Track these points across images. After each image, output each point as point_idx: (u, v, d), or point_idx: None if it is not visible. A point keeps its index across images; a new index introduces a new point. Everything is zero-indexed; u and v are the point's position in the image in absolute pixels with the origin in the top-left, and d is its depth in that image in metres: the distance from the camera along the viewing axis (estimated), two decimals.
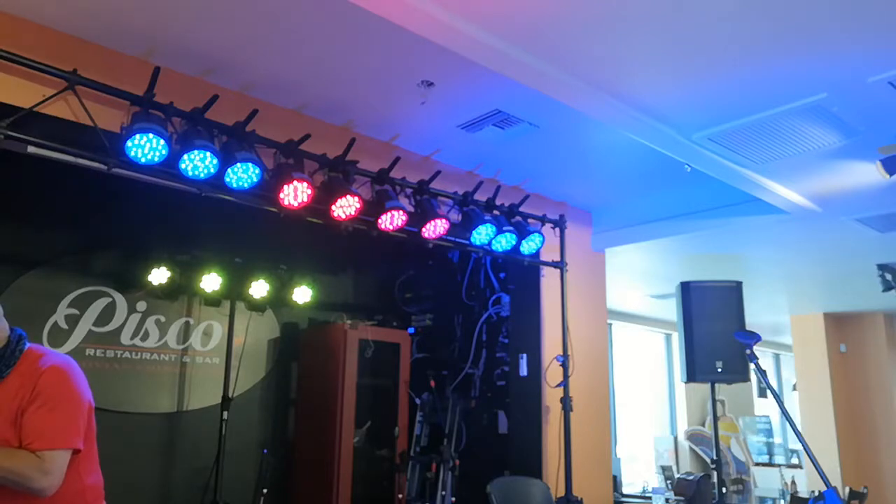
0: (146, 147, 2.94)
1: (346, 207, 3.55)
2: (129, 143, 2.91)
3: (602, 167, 4.57)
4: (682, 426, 9.07)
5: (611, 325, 8.31)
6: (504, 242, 4.32)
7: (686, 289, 4.94)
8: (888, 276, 5.72)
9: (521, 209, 4.48)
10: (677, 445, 8.75)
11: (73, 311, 4.41)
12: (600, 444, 5.15)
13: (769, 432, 9.28)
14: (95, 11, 2.86)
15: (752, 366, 2.84)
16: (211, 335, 5.03)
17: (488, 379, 5.30)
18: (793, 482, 7.80)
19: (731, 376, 4.73)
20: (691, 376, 4.77)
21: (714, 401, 4.99)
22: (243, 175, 3.21)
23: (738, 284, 4.94)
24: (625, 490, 7.00)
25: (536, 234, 4.44)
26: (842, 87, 3.27)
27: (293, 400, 5.39)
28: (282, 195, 3.36)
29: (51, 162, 2.90)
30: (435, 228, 3.95)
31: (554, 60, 3.11)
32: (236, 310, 4.99)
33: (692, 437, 8.80)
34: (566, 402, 4.51)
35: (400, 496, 4.99)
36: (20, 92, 2.81)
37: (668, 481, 7.22)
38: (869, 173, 4.23)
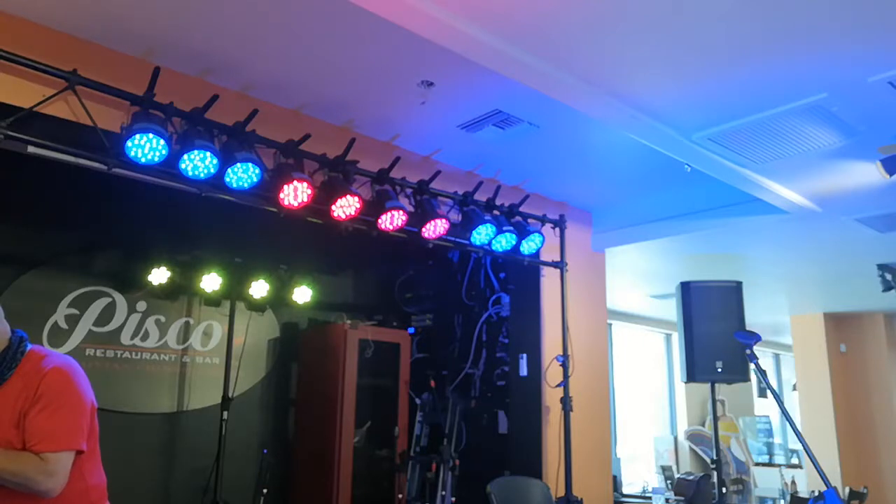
0: (146, 147, 2.94)
1: (346, 207, 3.55)
2: (129, 143, 2.91)
3: (602, 167, 4.57)
4: (682, 426, 9.07)
5: (611, 325, 8.31)
6: (504, 242, 4.32)
7: (686, 289, 4.94)
8: (888, 276, 5.72)
9: (521, 209, 4.48)
10: (677, 445, 8.74)
11: (73, 311, 4.41)
12: (600, 444, 5.15)
13: (769, 432, 9.28)
14: (95, 11, 2.86)
15: (752, 366, 2.84)
16: (211, 335, 5.02)
17: (488, 379, 5.30)
18: (793, 482, 7.80)
19: (731, 376, 4.73)
20: (691, 376, 4.77)
21: (714, 401, 4.99)
22: (243, 175, 3.21)
23: (738, 284, 4.94)
24: (625, 490, 7.00)
25: (536, 234, 4.44)
26: (842, 87, 3.27)
27: (293, 400, 5.39)
28: (282, 195, 3.36)
29: (51, 162, 2.90)
30: (435, 228, 3.95)
31: (554, 60, 3.11)
32: (236, 310, 4.99)
33: (692, 437, 8.80)
34: (566, 402, 4.51)
35: (400, 496, 4.99)
36: (20, 92, 2.81)
37: (668, 481, 7.22)
38: (869, 173, 4.23)
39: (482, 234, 4.15)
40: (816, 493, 2.45)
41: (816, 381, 8.49)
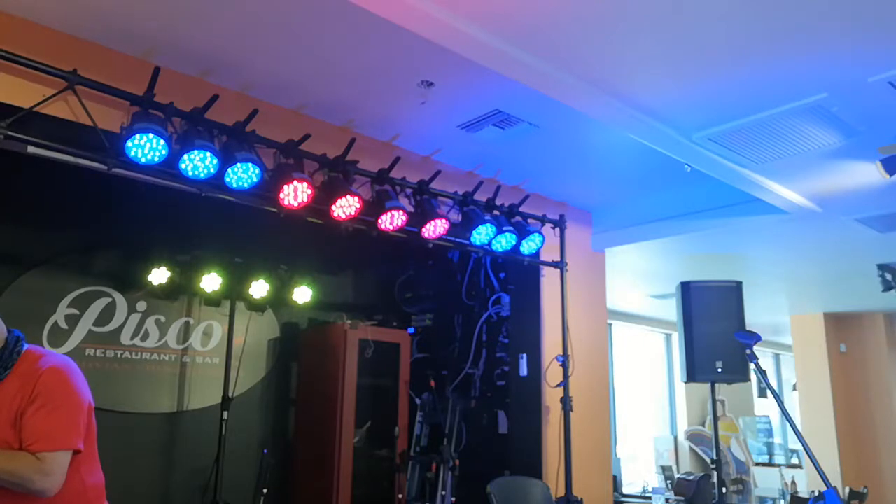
0: (146, 147, 2.94)
1: (346, 207, 3.55)
2: (129, 143, 2.91)
3: (602, 167, 4.57)
4: (682, 426, 9.07)
5: (611, 325, 8.31)
6: (504, 242, 4.32)
7: (686, 289, 4.94)
8: (888, 276, 5.72)
9: (521, 209, 4.48)
10: (677, 445, 8.75)
11: (73, 311, 4.40)
12: (600, 444, 5.15)
13: (769, 432, 9.28)
14: (95, 11, 2.86)
15: (752, 366, 2.84)
16: (211, 335, 5.02)
17: (488, 379, 5.30)
18: (793, 482, 7.80)
19: (731, 376, 4.73)
20: (691, 376, 4.77)
21: (714, 401, 4.99)
22: (243, 175, 3.21)
23: (738, 284, 4.94)
24: (625, 490, 7.00)
25: (536, 234, 4.44)
26: (842, 87, 3.27)
27: (293, 400, 5.39)
28: (282, 195, 3.36)
29: (51, 162, 2.90)
30: (435, 228, 3.95)
31: (554, 60, 3.11)
32: (236, 310, 4.99)
33: (692, 437, 8.80)
34: (566, 402, 4.51)
35: (400, 496, 4.99)
36: (20, 92, 2.81)
37: (668, 481, 7.22)
38: (869, 173, 4.23)
39: (482, 234, 4.15)
40: (816, 493, 2.45)
41: (816, 381, 8.49)
